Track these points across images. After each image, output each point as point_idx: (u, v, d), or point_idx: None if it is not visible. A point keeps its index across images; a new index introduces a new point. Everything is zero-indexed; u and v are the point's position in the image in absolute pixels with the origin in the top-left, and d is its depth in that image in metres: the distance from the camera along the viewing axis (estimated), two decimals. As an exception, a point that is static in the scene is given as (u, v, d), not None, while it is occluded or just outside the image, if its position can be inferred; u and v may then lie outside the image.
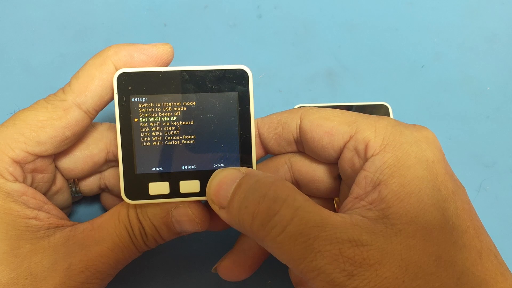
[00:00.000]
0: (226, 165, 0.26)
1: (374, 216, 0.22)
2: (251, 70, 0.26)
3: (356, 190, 0.24)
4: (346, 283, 0.20)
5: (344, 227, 0.21)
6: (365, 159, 0.24)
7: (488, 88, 0.42)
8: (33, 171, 0.27)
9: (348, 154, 0.26)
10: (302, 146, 0.28)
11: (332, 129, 0.26)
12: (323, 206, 0.31)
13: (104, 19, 0.42)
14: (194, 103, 0.25)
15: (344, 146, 0.26)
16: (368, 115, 0.26)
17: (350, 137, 0.25)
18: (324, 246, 0.20)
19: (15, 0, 0.42)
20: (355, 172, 0.25)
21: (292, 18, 0.44)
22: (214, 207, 0.24)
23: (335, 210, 0.31)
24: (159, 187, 0.26)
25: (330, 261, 0.20)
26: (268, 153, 0.30)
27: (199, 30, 0.42)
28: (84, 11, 0.42)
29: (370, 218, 0.22)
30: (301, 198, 0.22)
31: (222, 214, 0.24)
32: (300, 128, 0.27)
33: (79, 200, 0.35)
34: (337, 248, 0.20)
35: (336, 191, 0.29)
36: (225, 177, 0.24)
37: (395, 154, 0.23)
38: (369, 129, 0.25)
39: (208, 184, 0.25)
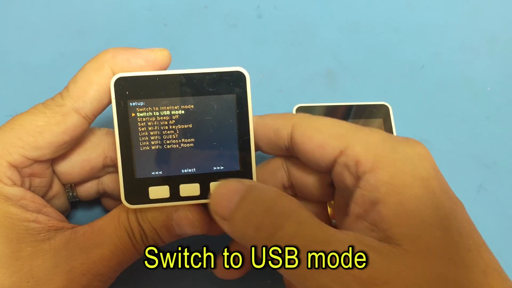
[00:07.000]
0: (226, 168, 0.26)
1: (377, 236, 0.22)
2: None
3: (355, 208, 0.24)
4: None
5: (350, 244, 0.21)
6: (357, 176, 0.24)
7: (489, 89, 0.42)
8: (31, 175, 0.26)
9: (339, 169, 0.25)
10: (294, 152, 0.28)
11: (323, 143, 0.25)
12: (318, 210, 0.30)
13: (104, 19, 0.42)
14: (192, 106, 0.25)
15: (335, 161, 0.25)
16: (360, 127, 0.25)
17: (341, 152, 0.25)
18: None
19: (15, 0, 0.42)
20: (347, 186, 0.25)
21: (292, 18, 0.44)
22: (217, 219, 0.24)
23: (328, 213, 0.31)
24: (159, 191, 0.25)
25: (336, 279, 0.20)
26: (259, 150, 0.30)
27: (199, 30, 0.42)
28: (84, 11, 0.42)
29: (375, 238, 0.22)
30: (305, 213, 0.22)
31: (224, 225, 0.24)
32: (291, 138, 0.27)
33: (77, 202, 0.35)
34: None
35: (331, 195, 0.29)
36: (228, 190, 0.24)
37: (388, 171, 0.23)
38: (359, 145, 0.24)
39: (211, 195, 0.25)
